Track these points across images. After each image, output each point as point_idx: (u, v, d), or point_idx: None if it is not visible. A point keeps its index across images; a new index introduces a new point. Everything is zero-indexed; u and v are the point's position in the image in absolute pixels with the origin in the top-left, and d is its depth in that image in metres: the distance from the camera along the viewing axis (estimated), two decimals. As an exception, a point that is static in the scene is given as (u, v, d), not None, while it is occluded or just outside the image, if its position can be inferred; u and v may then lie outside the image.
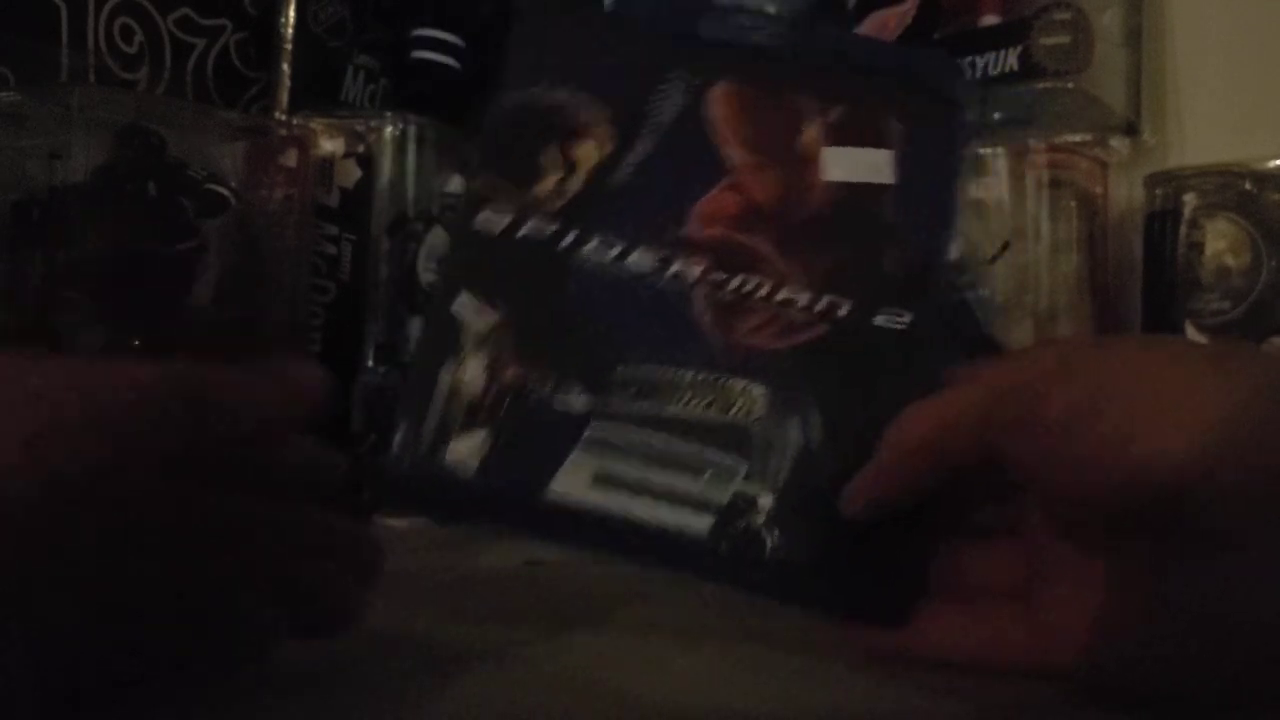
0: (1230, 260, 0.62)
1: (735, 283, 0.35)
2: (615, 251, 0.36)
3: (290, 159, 0.63)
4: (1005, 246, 0.67)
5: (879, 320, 0.35)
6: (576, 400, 0.34)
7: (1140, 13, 0.72)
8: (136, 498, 0.25)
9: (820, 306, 0.35)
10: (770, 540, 0.32)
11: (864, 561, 0.33)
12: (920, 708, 0.32)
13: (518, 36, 0.39)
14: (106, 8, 0.64)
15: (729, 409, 0.34)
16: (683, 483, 0.33)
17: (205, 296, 0.58)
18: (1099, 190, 0.69)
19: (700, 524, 0.33)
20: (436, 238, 0.69)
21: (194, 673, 0.29)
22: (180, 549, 0.27)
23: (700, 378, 0.34)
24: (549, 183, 0.36)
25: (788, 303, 0.35)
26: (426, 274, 0.68)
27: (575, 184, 0.37)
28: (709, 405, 0.34)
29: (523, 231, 0.36)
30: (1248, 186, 0.62)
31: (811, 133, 0.37)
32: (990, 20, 0.72)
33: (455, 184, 0.70)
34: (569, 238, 0.36)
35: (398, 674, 0.33)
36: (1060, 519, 0.31)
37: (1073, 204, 0.68)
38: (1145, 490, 0.26)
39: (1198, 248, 0.63)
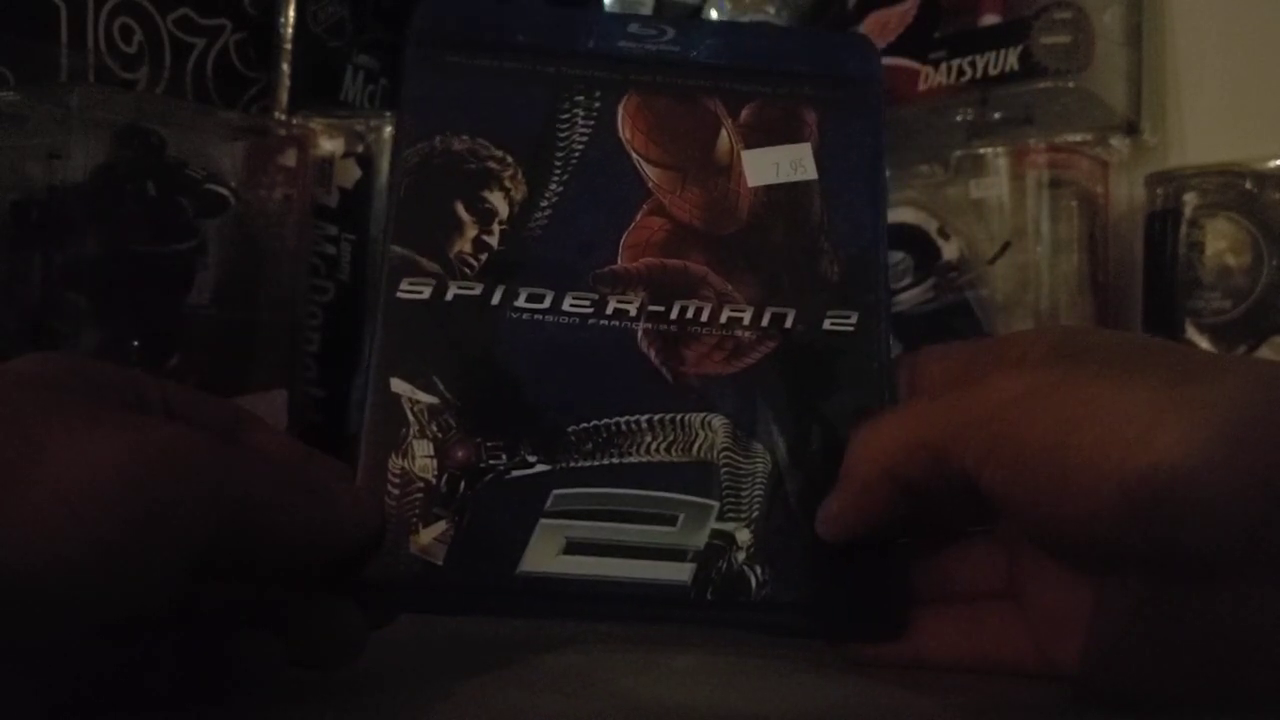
0: (1231, 260, 0.62)
1: (675, 312, 0.34)
2: (546, 303, 0.34)
3: (290, 159, 0.63)
4: (1005, 246, 0.67)
5: (827, 324, 0.34)
6: (533, 470, 0.33)
7: (1141, 12, 0.72)
8: (165, 576, 0.24)
9: (766, 320, 0.34)
10: (754, 578, 0.31)
11: (850, 584, 0.32)
12: (917, 708, 0.32)
13: (406, 93, 0.36)
14: (106, 7, 0.64)
15: (691, 446, 0.33)
16: (656, 534, 0.32)
17: (204, 296, 0.58)
18: (1100, 190, 0.69)
19: (681, 573, 0.32)
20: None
21: (187, 698, 0.29)
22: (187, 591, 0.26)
23: (657, 419, 0.33)
24: (466, 240, 0.34)
25: (732, 322, 0.34)
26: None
27: (493, 237, 0.35)
28: (670, 446, 0.33)
29: (448, 297, 0.34)
30: (1249, 186, 0.62)
31: (725, 138, 0.36)
32: (990, 20, 0.72)
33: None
34: (496, 296, 0.34)
35: (395, 674, 0.33)
36: (1041, 543, 0.31)
37: (1073, 204, 0.68)
38: (1136, 509, 0.25)
39: (1198, 247, 0.63)
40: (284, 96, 0.70)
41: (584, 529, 0.32)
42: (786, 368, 0.34)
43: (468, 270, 0.34)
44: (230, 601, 0.29)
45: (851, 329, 0.34)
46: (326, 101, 0.72)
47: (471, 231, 0.35)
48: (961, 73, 0.72)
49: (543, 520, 0.32)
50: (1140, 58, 0.72)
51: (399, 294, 0.34)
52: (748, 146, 0.36)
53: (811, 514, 0.32)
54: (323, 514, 0.28)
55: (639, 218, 0.35)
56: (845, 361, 0.34)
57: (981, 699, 0.32)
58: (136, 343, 0.56)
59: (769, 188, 0.35)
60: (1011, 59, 0.70)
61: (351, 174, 0.66)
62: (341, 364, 0.65)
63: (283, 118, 0.69)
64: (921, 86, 0.74)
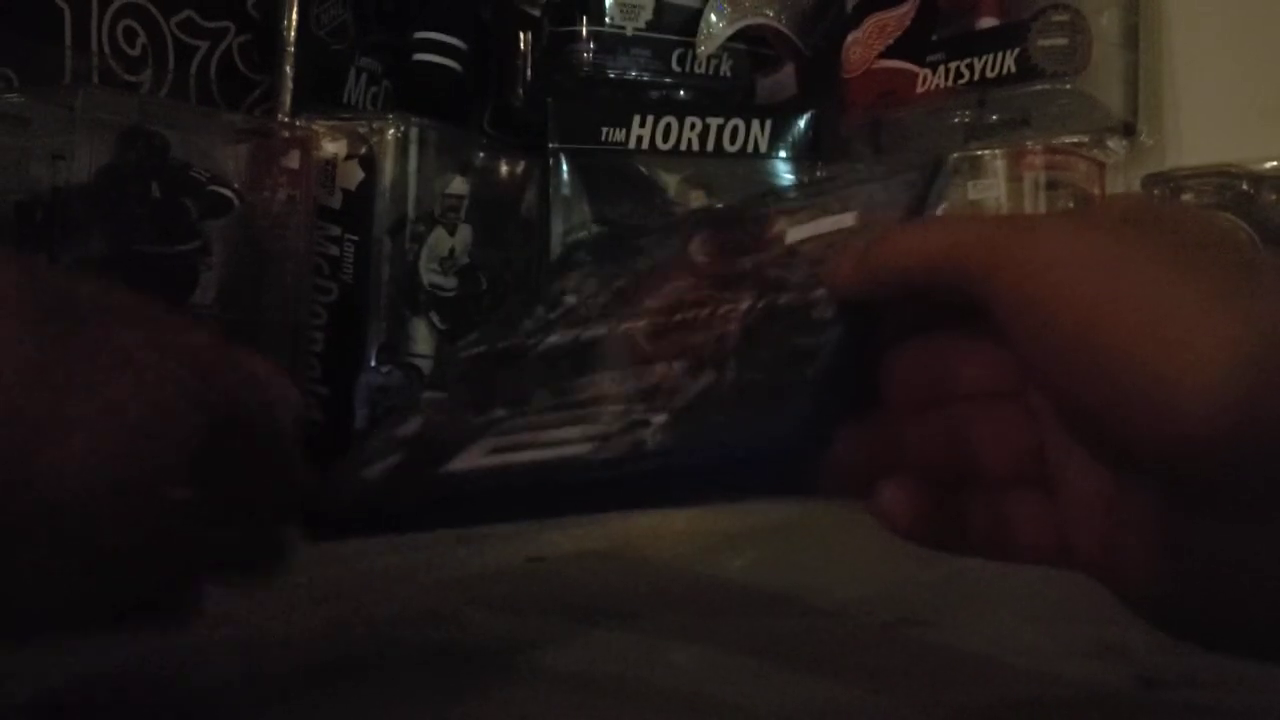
0: (1227, 260, 0.63)
1: (676, 318, 0.35)
2: (571, 335, 0.37)
3: (293, 160, 0.63)
4: (1004, 247, 0.68)
5: (819, 292, 0.32)
6: (494, 416, 0.34)
7: (1138, 14, 0.72)
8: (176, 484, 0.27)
9: (762, 304, 0.33)
10: (650, 440, 0.29)
11: (752, 433, 0.29)
12: (918, 706, 0.32)
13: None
14: (110, 10, 0.65)
15: (643, 378, 0.32)
16: (575, 431, 0.31)
17: (208, 297, 0.59)
18: (1097, 191, 0.70)
19: (584, 449, 0.30)
20: (438, 238, 0.69)
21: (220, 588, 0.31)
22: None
23: (622, 373, 0.33)
24: (536, 321, 0.39)
25: (729, 313, 0.34)
26: (428, 274, 0.68)
27: (554, 315, 0.39)
28: (624, 381, 0.33)
29: (498, 347, 0.39)
30: (1244, 187, 0.63)
31: (779, 225, 0.37)
32: (988, 22, 0.72)
33: (456, 185, 0.71)
34: (533, 340, 0.38)
35: (404, 673, 0.34)
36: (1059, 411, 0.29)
37: (1070, 205, 0.68)
38: (1152, 411, 0.23)
39: (1195, 248, 0.63)
40: (287, 99, 0.71)
41: (511, 439, 0.32)
42: (767, 325, 0.33)
43: (523, 331, 0.39)
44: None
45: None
46: (329, 104, 0.72)
47: (541, 313, 0.39)
48: (959, 75, 0.73)
49: (481, 440, 0.32)
50: (1137, 60, 0.72)
51: (461, 353, 0.40)
52: (795, 225, 0.37)
53: (740, 408, 0.30)
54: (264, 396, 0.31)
55: (673, 279, 0.38)
56: (831, 321, 0.31)
57: (982, 699, 0.32)
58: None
59: (805, 240, 0.36)
60: (1009, 61, 0.70)
61: (354, 176, 0.67)
62: (344, 363, 0.65)
63: (286, 120, 0.69)
64: (920, 89, 0.74)
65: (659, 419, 0.30)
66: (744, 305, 0.33)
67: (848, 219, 0.36)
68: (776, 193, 0.41)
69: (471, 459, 0.32)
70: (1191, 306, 0.23)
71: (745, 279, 0.35)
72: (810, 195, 0.40)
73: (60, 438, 0.25)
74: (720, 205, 0.42)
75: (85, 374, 0.26)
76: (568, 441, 0.31)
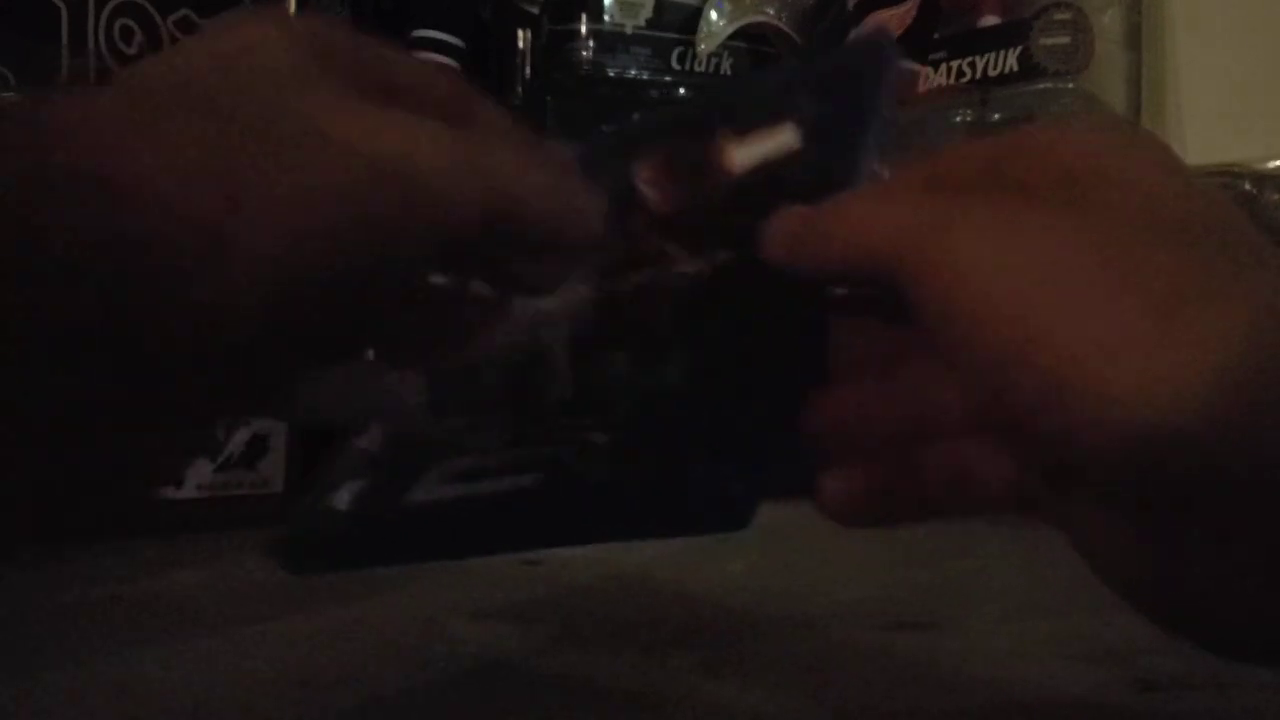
0: (1230, 260, 0.62)
1: (624, 286, 0.33)
2: (528, 307, 0.35)
3: (290, 159, 0.63)
4: (1005, 247, 0.67)
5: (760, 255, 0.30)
6: (449, 425, 0.33)
7: (1140, 13, 0.72)
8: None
9: (707, 266, 0.32)
10: (594, 470, 0.29)
11: (695, 475, 0.29)
12: (920, 708, 0.32)
13: None
14: (107, 9, 0.64)
15: (589, 378, 0.32)
16: (523, 453, 0.31)
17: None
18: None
19: (531, 480, 0.30)
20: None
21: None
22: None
23: (569, 371, 0.32)
24: None
25: (676, 280, 0.32)
26: (426, 274, 0.68)
27: None
28: (570, 383, 0.32)
29: None
30: (1247, 187, 0.62)
31: (721, 144, 0.36)
32: (990, 20, 0.72)
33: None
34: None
35: (397, 680, 0.34)
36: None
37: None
38: (1078, 436, 0.21)
39: (1197, 248, 0.63)
40: (284, 97, 0.70)
41: (466, 462, 0.32)
42: (711, 293, 0.32)
43: None
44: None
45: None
46: (327, 102, 0.72)
47: None
48: (961, 73, 0.72)
49: (438, 463, 0.32)
50: (1139, 59, 0.72)
51: None
52: (741, 143, 0.35)
53: (684, 419, 0.30)
54: (564, 210, 0.29)
55: (623, 221, 0.35)
56: (776, 281, 0.29)
57: (978, 703, 0.32)
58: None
59: (753, 168, 0.35)
60: (1011, 60, 0.70)
61: (351, 175, 0.66)
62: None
63: (283, 119, 0.69)
64: (921, 87, 0.74)
65: (601, 439, 0.30)
66: (689, 269, 0.32)
67: (789, 136, 0.34)
68: (719, 99, 0.38)
69: (429, 488, 0.31)
70: (1134, 319, 0.21)
71: (690, 225, 0.34)
72: (751, 97, 0.37)
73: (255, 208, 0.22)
74: (666, 112, 0.38)
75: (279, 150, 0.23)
76: (515, 465, 0.30)
